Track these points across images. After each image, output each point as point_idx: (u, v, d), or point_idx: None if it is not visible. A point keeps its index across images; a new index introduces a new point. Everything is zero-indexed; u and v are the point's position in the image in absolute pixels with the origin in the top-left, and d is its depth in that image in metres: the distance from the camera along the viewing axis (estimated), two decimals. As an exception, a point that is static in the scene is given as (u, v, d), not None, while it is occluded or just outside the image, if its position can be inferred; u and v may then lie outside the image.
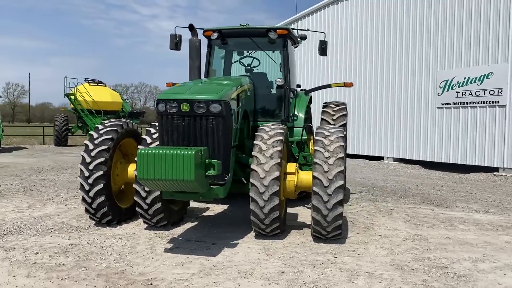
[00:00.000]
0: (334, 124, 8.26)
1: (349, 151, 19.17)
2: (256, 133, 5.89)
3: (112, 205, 6.22)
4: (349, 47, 19.12)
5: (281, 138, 5.78)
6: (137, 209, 6.02)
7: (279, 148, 5.66)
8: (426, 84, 15.69)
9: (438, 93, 15.17)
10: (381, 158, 17.69)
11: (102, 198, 6.03)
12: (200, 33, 7.84)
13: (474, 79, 14.02)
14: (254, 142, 5.76)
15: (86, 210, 6.21)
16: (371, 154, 18.10)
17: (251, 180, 5.55)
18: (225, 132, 5.37)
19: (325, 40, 8.44)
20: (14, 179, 11.04)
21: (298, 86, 9.04)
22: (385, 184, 11.44)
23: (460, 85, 14.42)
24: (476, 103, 13.98)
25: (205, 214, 7.48)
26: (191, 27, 7.35)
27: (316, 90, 8.85)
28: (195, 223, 6.75)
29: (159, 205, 5.92)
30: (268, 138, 5.78)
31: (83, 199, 6.11)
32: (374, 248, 5.56)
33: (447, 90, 14.85)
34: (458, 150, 14.50)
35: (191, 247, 5.44)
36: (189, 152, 4.53)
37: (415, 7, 16.07)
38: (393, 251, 5.45)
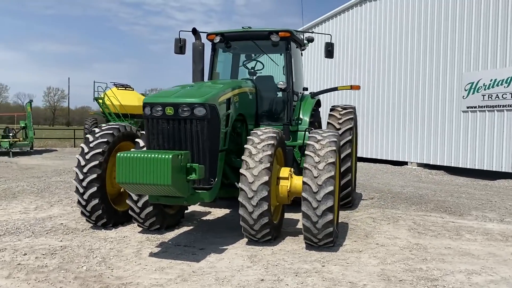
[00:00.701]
0: (339, 128, 8.05)
1: (371, 156, 18.75)
2: (248, 137, 5.80)
3: (107, 208, 6.26)
4: (372, 49, 18.72)
5: (272, 142, 5.67)
6: (130, 212, 6.04)
7: (269, 152, 5.55)
8: (451, 86, 15.14)
9: (463, 96, 14.60)
10: (405, 163, 17.19)
11: (96, 201, 6.09)
12: (203, 37, 7.84)
13: (501, 81, 13.41)
14: (245, 146, 5.67)
15: (82, 213, 6.29)
16: (394, 159, 17.62)
17: (239, 184, 5.47)
18: (211, 136, 5.31)
19: (331, 42, 8.25)
20: (33, 181, 11.36)
21: (306, 89, 8.88)
22: (401, 190, 11.08)
23: (486, 88, 13.82)
24: (503, 106, 13.37)
25: (204, 218, 7.44)
26: (194, 31, 7.36)
27: (322, 93, 8.66)
28: (191, 227, 6.71)
29: (150, 208, 5.92)
30: (259, 142, 5.67)
31: (78, 202, 6.19)
32: (366, 257, 5.35)
33: (473, 93, 14.27)
34: (484, 155, 13.89)
35: (177, 252, 5.40)
36: (166, 156, 4.49)
37: (440, 7, 15.57)
38: (385, 260, 5.22)
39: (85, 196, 6.06)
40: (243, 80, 7.47)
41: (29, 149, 21.55)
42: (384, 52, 18.15)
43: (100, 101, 24.38)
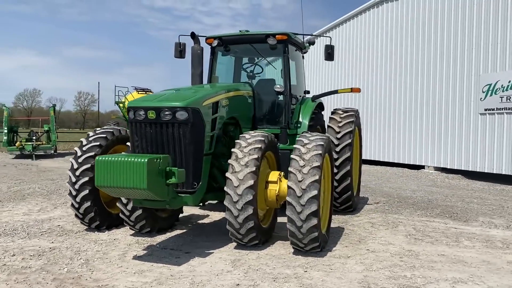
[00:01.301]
0: (339, 132, 7.94)
1: (388, 159, 18.41)
2: (236, 141, 5.78)
3: (100, 211, 6.35)
4: (389, 51, 18.39)
5: (259, 146, 5.63)
6: (120, 215, 6.11)
7: (255, 156, 5.51)
8: (468, 88, 14.72)
9: (481, 98, 14.17)
10: (422, 167, 16.80)
11: (88, 203, 6.18)
12: (202, 41, 7.88)
13: (520, 83, 12.96)
14: (232, 149, 5.66)
15: (76, 215, 6.40)
16: (411, 163, 17.24)
17: (225, 188, 5.45)
18: (194, 140, 5.32)
19: (331, 44, 8.15)
20: (46, 183, 11.66)
21: (307, 92, 8.80)
22: (411, 194, 10.83)
23: (504, 89, 13.37)
24: (522, 108, 12.91)
25: (200, 221, 7.46)
26: (193, 35, 7.41)
27: (323, 97, 8.55)
28: (184, 230, 6.74)
29: (140, 211, 5.96)
30: (246, 146, 5.64)
31: (72, 204, 6.30)
32: (352, 263, 5.24)
33: (490, 95, 13.83)
34: (502, 159, 13.42)
35: (162, 255, 5.42)
36: (142, 160, 4.51)
37: (456, 7, 15.18)
38: (371, 267, 5.10)
39: (78, 199, 6.16)
40: (239, 84, 7.46)
41: (52, 152, 22.13)
42: (400, 54, 17.82)
43: (121, 104, 24.82)
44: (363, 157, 19.65)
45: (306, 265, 5.15)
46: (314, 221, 5.25)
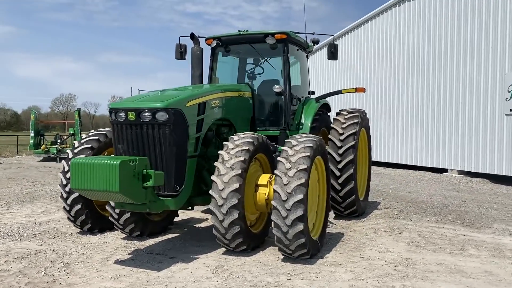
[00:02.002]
0: (342, 133, 7.64)
1: (410, 162, 17.81)
2: (224, 143, 5.61)
3: (92, 214, 6.29)
4: (410, 51, 17.81)
5: (247, 148, 5.43)
6: (110, 218, 6.03)
7: (242, 158, 5.32)
8: (493, 88, 14.04)
9: (506, 98, 13.48)
10: (445, 170, 16.15)
11: (79, 206, 6.14)
12: (203, 42, 7.77)
13: (547, 82, 12.24)
14: (219, 151, 5.49)
15: (68, 218, 6.37)
16: (434, 166, 16.60)
17: (210, 191, 5.29)
18: (176, 141, 5.17)
19: (335, 43, 7.87)
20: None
21: (312, 93, 8.54)
22: (427, 199, 10.36)
23: (531, 89, 12.68)
24: (550, 108, 12.19)
25: (196, 225, 7.32)
26: (192, 36, 7.30)
27: (326, 97, 8.28)
28: (177, 234, 6.60)
29: (128, 214, 5.87)
30: (233, 147, 5.46)
31: (64, 207, 6.28)
32: (342, 272, 4.96)
33: (516, 95, 13.14)
34: (529, 162, 12.72)
35: (145, 259, 5.30)
36: (114, 162, 4.40)
37: (481, 3, 14.53)
38: (360, 276, 4.82)
39: (68, 201, 6.13)
40: (236, 84, 7.30)
41: (77, 155, 22.56)
42: (422, 54, 17.22)
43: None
44: (384, 160, 19.18)
45: (292, 272, 4.91)
46: (300, 227, 5.01)
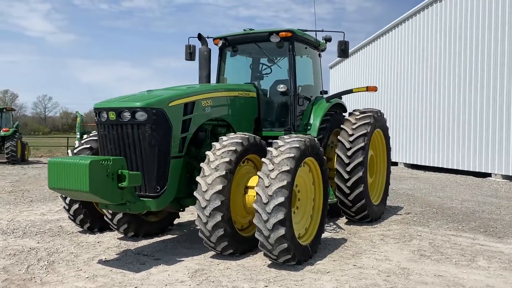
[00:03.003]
0: (352, 134, 7.28)
1: (452, 166, 16.85)
2: (212, 143, 5.49)
3: (90, 213, 6.36)
4: (453, 51, 16.85)
5: (233, 148, 5.28)
6: (105, 218, 6.07)
7: (227, 159, 5.17)
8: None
9: (554, 97, 12.42)
10: (489, 175, 15.13)
11: (77, 205, 6.23)
12: (211, 43, 7.69)
13: None
14: (206, 152, 5.37)
15: (69, 217, 6.48)
16: (476, 170, 15.60)
17: (194, 193, 5.18)
18: (156, 141, 5.09)
19: (345, 40, 7.53)
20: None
21: (325, 92, 8.23)
22: (457, 205, 9.70)
23: None
24: None
25: (198, 227, 7.20)
26: (200, 37, 7.26)
27: (337, 96, 7.93)
28: (174, 236, 6.54)
29: (121, 215, 5.87)
30: (220, 148, 5.32)
31: (64, 206, 6.39)
32: (326, 280, 4.68)
33: None
34: None
35: (129, 260, 5.27)
36: (84, 162, 4.38)
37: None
38: (343, 285, 4.52)
39: (67, 200, 6.23)
40: (236, 84, 7.16)
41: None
42: (470, 53, 16.24)
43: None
44: (425, 164, 18.25)
45: (272, 279, 4.70)
46: (281, 231, 4.78)
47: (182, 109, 5.44)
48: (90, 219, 6.38)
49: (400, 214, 8.49)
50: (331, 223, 7.52)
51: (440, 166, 17.57)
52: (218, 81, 7.85)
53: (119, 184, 4.67)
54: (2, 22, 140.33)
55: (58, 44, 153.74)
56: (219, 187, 5.04)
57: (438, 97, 17.75)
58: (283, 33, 7.09)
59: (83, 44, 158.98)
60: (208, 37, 7.77)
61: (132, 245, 5.97)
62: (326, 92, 8.22)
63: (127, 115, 5.03)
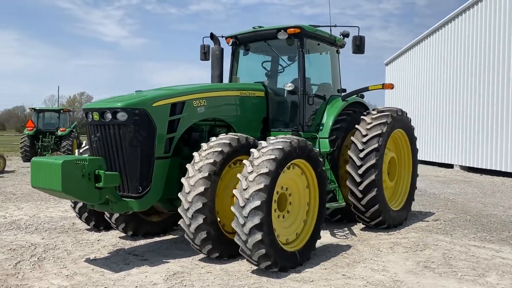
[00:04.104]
0: (366, 135, 6.85)
1: (506, 169, 15.49)
2: (202, 144, 5.38)
3: (95, 211, 6.45)
4: (492, 48, 15.48)
5: (219, 149, 5.14)
6: (105, 216, 6.16)
7: (211, 160, 5.04)
8: None
9: None
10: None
11: (81, 203, 6.38)
12: (224, 42, 7.61)
13: None
14: (193, 153, 5.28)
15: (76, 215, 6.66)
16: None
17: (179, 194, 5.10)
18: (138, 142, 5.05)
19: (360, 35, 7.11)
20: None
21: (344, 90, 7.83)
22: (499, 213, 8.85)
23: None
24: None
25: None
26: (212, 36, 7.21)
27: (353, 95, 7.50)
28: (175, 236, 6.51)
29: (118, 214, 5.92)
30: (206, 149, 5.21)
31: (70, 205, 6.58)
32: (304, 290, 4.41)
33: None
34: None
35: (116, 260, 5.29)
36: (58, 162, 4.43)
37: None
38: (319, 297, 4.23)
39: (73, 199, 6.40)
40: (239, 83, 7.00)
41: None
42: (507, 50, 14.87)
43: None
44: (485, 167, 16.87)
45: (249, 285, 4.50)
46: (258, 236, 4.57)
47: (168, 109, 5.37)
48: (95, 217, 6.51)
49: (427, 221, 7.90)
50: (345, 229, 7.15)
51: (498, 169, 16.23)
52: (230, 80, 7.73)
53: (96, 184, 4.70)
54: (81, 29, 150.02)
55: (131, 48, 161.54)
56: (201, 189, 4.92)
57: (502, 95, 16.37)
58: (291, 29, 6.82)
59: (154, 47, 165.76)
60: (222, 36, 7.71)
61: (129, 244, 6.01)
62: (344, 91, 7.82)
63: (108, 115, 5.05)
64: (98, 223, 6.59)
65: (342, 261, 5.39)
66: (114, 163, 5.12)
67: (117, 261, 5.23)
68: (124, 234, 6.39)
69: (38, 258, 5.26)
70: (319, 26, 7.30)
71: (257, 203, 4.54)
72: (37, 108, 22.10)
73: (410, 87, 24.45)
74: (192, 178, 5.00)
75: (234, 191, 4.73)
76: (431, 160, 21.48)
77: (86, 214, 6.47)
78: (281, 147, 4.85)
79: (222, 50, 7.27)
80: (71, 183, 4.50)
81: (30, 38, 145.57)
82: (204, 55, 7.95)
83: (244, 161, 4.87)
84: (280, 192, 5.11)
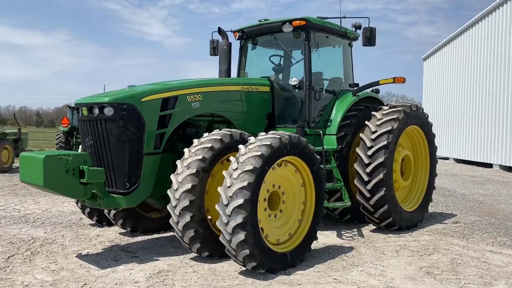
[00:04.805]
0: (375, 131, 6.51)
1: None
2: (194, 140, 5.24)
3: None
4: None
5: (209, 145, 4.99)
6: (105, 212, 6.15)
7: (200, 156, 4.90)
8: None
9: None
10: None
11: (83, 199, 6.40)
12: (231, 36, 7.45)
13: None
14: (184, 149, 5.15)
15: (80, 210, 6.71)
16: None
17: (168, 191, 5.00)
18: (125, 137, 4.96)
19: (370, 27, 6.76)
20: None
21: (356, 85, 7.48)
22: (529, 216, 8.25)
23: None
24: None
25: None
26: (219, 31, 7.10)
27: (364, 89, 7.13)
28: (174, 234, 6.38)
29: (118, 209, 5.89)
30: (196, 145, 5.07)
31: (74, 200, 6.63)
32: (288, 293, 4.20)
33: None
34: None
35: (107, 255, 5.26)
36: (40, 156, 4.42)
37: None
38: (301, 301, 4.00)
39: (75, 194, 6.44)
40: (241, 78, 6.82)
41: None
42: None
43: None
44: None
45: (232, 287, 4.33)
46: (241, 236, 4.38)
47: (159, 104, 5.26)
48: (97, 212, 6.52)
49: (445, 223, 7.43)
50: (354, 230, 6.83)
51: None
52: (238, 75, 7.57)
53: (81, 180, 4.66)
54: (127, 29, 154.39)
55: (174, 47, 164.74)
56: (188, 186, 4.79)
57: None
58: (297, 21, 6.57)
59: (196, 46, 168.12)
60: (231, 31, 7.56)
61: (126, 240, 5.98)
62: (356, 85, 7.47)
63: (96, 110, 5.00)
64: (101, 218, 6.60)
65: (339, 264, 5.11)
66: (103, 158, 5.08)
67: (107, 257, 5.19)
68: (124, 230, 6.37)
69: (31, 252, 5.30)
70: (327, 18, 7.00)
71: (240, 201, 4.35)
72: (72, 105, 22.76)
73: (449, 82, 23.40)
74: (180, 174, 4.88)
75: (219, 189, 4.56)
76: (469, 159, 20.47)
77: (88, 210, 6.49)
78: (268, 143, 4.64)
79: (230, 44, 7.13)
80: (54, 178, 4.48)
81: (79, 38, 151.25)
82: (213, 50, 7.81)
83: (231, 158, 4.70)
84: (271, 190, 4.91)
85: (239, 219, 4.36)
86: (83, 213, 6.63)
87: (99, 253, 5.39)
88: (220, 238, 4.60)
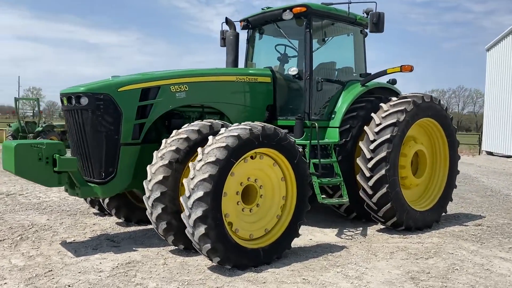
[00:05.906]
0: (380, 124, 6.07)
1: None
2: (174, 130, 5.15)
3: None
4: None
5: (184, 136, 4.87)
6: (100, 200, 6.25)
7: (173, 147, 4.80)
8: None
9: None
10: None
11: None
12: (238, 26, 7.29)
13: None
14: (163, 140, 5.08)
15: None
16: None
17: (144, 182, 4.95)
18: (101, 127, 4.96)
19: (377, 12, 6.28)
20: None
21: (367, 75, 7.02)
22: None
23: None
24: None
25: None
26: (227, 21, 7.01)
27: (372, 79, 6.66)
28: (169, 225, 6.38)
29: (108, 199, 5.96)
30: (174, 135, 4.98)
31: (77, 188, 6.80)
32: (246, 292, 4.00)
33: None
34: None
35: (90, 244, 5.31)
36: (13, 144, 4.52)
37: None
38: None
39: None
40: (238, 68, 6.61)
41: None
42: None
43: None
44: None
45: (190, 282, 4.21)
46: (202, 229, 4.23)
47: (138, 94, 5.20)
48: (99, 201, 6.64)
49: (465, 225, 6.81)
50: (360, 228, 6.44)
51: None
52: (245, 66, 7.39)
53: (54, 169, 4.72)
54: (195, 27, 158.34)
55: (240, 44, 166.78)
56: (160, 177, 4.70)
57: None
58: (297, 8, 6.27)
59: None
60: (238, 21, 7.39)
61: (118, 230, 6.03)
62: (368, 75, 7.02)
63: (73, 100, 5.05)
64: (102, 207, 6.71)
65: (319, 264, 4.81)
66: (80, 147, 5.13)
67: (88, 246, 5.25)
68: (120, 220, 6.43)
69: (21, 238, 5.49)
70: (331, 4, 6.61)
71: (200, 194, 4.20)
72: None
73: (512, 74, 21.58)
74: (154, 165, 4.81)
75: (184, 181, 4.43)
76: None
77: (89, 198, 6.63)
78: (236, 134, 4.43)
79: (237, 35, 6.98)
80: (26, 166, 4.57)
81: (149, 36, 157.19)
82: (223, 41, 7.68)
83: (198, 149, 4.55)
84: (246, 184, 4.71)
85: (199, 212, 4.21)
86: (85, 201, 6.78)
87: (83, 241, 5.47)
88: (186, 231, 4.48)
